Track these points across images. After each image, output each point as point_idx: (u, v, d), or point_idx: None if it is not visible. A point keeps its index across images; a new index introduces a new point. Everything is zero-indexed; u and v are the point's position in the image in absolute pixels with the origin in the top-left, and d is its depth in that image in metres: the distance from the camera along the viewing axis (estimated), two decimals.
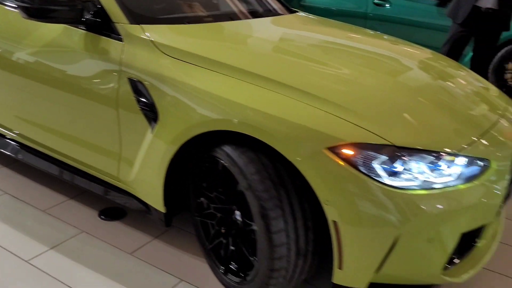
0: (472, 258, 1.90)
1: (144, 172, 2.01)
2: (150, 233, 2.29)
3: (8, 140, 2.62)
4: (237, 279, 1.92)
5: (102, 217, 2.41)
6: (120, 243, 2.20)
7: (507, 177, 1.78)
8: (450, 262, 1.82)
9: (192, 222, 2.10)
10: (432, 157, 1.61)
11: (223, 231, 1.97)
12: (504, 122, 1.93)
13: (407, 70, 2.23)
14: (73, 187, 2.49)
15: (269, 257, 1.71)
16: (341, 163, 1.54)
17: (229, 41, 2.19)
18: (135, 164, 2.04)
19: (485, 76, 4.21)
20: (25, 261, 2.05)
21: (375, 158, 1.55)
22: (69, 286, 1.93)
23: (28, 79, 2.30)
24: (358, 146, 1.56)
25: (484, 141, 1.77)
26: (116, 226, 2.34)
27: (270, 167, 1.68)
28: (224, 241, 1.97)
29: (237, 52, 2.04)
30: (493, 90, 2.30)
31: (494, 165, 1.73)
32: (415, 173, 1.59)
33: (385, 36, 2.78)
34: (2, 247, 2.12)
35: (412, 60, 2.37)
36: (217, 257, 2.01)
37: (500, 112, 2.00)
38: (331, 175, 1.55)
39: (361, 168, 1.55)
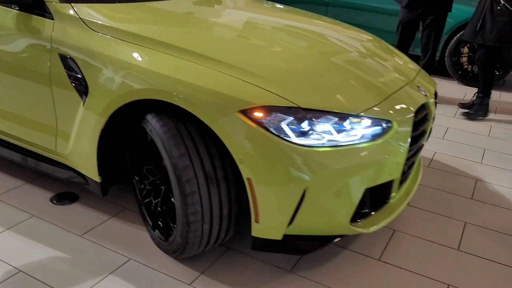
0: (383, 213, 2.11)
1: (78, 144, 2.12)
2: (101, 216, 2.35)
3: None
4: (162, 236, 2.07)
5: (54, 201, 2.45)
6: (71, 226, 2.25)
7: (409, 137, 1.98)
8: (363, 215, 2.03)
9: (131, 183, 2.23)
10: (336, 118, 1.79)
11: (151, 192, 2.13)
12: (409, 90, 2.13)
13: (326, 44, 2.41)
14: (25, 173, 2.55)
15: (184, 222, 1.84)
16: (252, 124, 1.70)
17: (154, 17, 2.29)
18: (71, 137, 2.14)
19: (434, 59, 4.45)
20: None
21: (283, 119, 1.71)
22: (16, 268, 1.97)
23: None
24: (268, 108, 1.71)
25: (387, 105, 1.95)
26: (67, 210, 2.39)
27: (185, 132, 1.81)
28: (154, 200, 2.11)
29: (160, 27, 2.16)
30: (408, 63, 2.51)
31: (395, 126, 1.92)
32: (321, 133, 1.76)
33: (324, 18, 2.96)
34: None
35: (336, 37, 2.54)
36: (148, 213, 2.15)
37: (406, 81, 2.20)
38: (244, 136, 1.70)
39: (271, 129, 1.70)
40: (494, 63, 4.28)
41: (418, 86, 2.23)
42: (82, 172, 2.19)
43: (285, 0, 5.53)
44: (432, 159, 3.26)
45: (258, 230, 1.82)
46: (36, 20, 2.11)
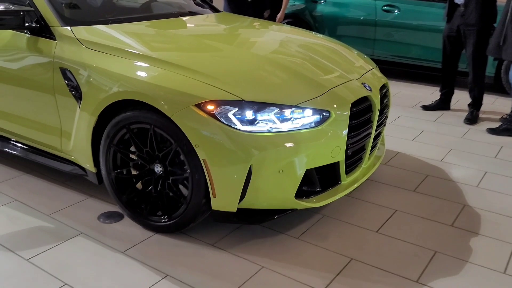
0: (333, 191, 2.45)
1: (77, 141, 2.56)
2: (143, 234, 2.44)
3: None
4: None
5: (101, 220, 2.59)
6: (114, 243, 2.36)
7: (347, 125, 2.32)
8: (314, 193, 2.37)
9: None
10: (277, 109, 2.16)
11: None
12: (350, 85, 2.48)
13: (280, 50, 2.80)
14: (75, 194, 2.78)
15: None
16: (205, 115, 2.10)
17: (135, 34, 2.72)
18: (72, 136, 2.59)
19: (478, 76, 4.25)
20: (26, 259, 2.23)
21: (230, 110, 2.10)
22: (62, 281, 2.09)
23: None
24: (217, 102, 2.11)
25: (326, 98, 2.32)
26: (112, 228, 2.51)
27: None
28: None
29: (138, 42, 2.58)
30: (361, 64, 2.86)
31: (333, 115, 2.27)
32: (265, 121, 2.14)
33: (288, 27, 3.38)
34: (4, 247, 2.32)
35: (296, 44, 2.94)
36: None
37: (351, 78, 2.55)
38: (198, 125, 2.10)
39: (221, 119, 2.10)
40: None
41: (363, 83, 2.57)
42: (82, 165, 2.63)
43: (334, 22, 5.82)
44: (481, 179, 3.15)
45: (216, 204, 2.21)
46: (43, 41, 2.60)
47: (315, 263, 2.24)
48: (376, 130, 2.67)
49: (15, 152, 2.96)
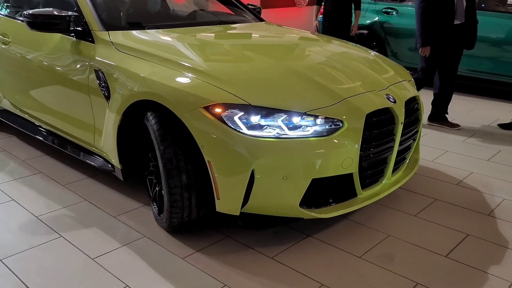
0: (347, 204, 2.37)
1: (106, 138, 2.72)
2: (203, 241, 2.46)
3: (35, 125, 3.49)
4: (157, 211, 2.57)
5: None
6: (175, 249, 2.40)
7: (360, 136, 2.24)
8: (326, 203, 2.32)
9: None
10: (285, 115, 2.15)
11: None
12: (370, 96, 2.40)
13: (300, 57, 2.81)
14: (141, 197, 2.87)
15: (168, 199, 2.31)
16: (212, 118, 2.14)
17: (167, 39, 2.83)
18: (102, 133, 2.76)
19: None
20: (91, 258, 2.32)
21: (236, 114, 2.13)
22: (124, 282, 2.14)
23: (39, 76, 3.14)
24: (225, 105, 2.14)
25: (340, 107, 2.26)
26: (173, 233, 2.53)
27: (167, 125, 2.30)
28: (155, 180, 2.61)
29: (163, 46, 2.69)
30: (388, 75, 2.75)
31: (346, 125, 2.21)
32: (272, 127, 2.13)
33: (323, 37, 3.36)
34: (73, 244, 2.43)
35: (316, 51, 2.93)
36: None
37: (373, 88, 2.46)
38: (205, 127, 2.14)
39: (227, 122, 2.12)
40: None
41: (387, 94, 2.48)
42: (110, 160, 2.79)
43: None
44: None
45: (220, 205, 2.23)
46: (84, 44, 2.80)
47: (378, 285, 2.15)
48: (402, 144, 2.56)
49: (55, 145, 3.21)
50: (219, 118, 2.13)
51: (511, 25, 5.18)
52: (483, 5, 4.35)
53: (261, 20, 3.72)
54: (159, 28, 2.97)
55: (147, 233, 2.54)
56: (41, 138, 3.36)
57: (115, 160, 2.71)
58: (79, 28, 2.82)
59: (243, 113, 2.13)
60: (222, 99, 2.16)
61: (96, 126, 2.80)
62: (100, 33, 2.76)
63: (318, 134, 2.18)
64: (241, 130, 2.11)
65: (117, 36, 2.74)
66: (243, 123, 2.12)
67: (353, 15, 5.65)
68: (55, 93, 3.06)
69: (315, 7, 5.85)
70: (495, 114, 4.84)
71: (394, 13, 6.14)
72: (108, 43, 2.70)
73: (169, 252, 2.37)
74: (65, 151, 3.15)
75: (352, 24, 5.66)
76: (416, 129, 2.73)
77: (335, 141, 2.19)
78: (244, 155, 2.10)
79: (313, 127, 2.18)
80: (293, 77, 2.42)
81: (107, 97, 2.62)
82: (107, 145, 2.74)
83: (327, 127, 2.20)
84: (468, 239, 2.51)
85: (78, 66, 2.82)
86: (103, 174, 3.20)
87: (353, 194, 2.41)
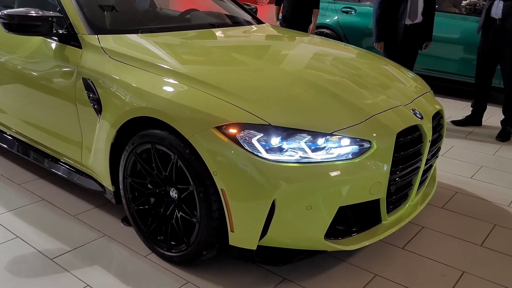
0: (372, 233, 2.13)
1: (96, 156, 2.40)
2: None
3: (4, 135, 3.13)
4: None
5: (124, 223, 2.55)
6: (137, 247, 2.34)
7: (390, 158, 2.00)
8: (348, 233, 2.07)
9: None
10: (309, 136, 1.88)
11: None
12: (397, 112, 2.16)
13: (317, 68, 2.53)
14: (99, 196, 2.63)
15: None
16: (226, 140, 1.86)
17: (163, 45, 2.52)
18: (92, 150, 2.44)
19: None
20: (50, 259, 2.23)
21: (254, 136, 1.85)
22: (84, 282, 2.09)
23: (18, 83, 2.78)
24: (240, 125, 1.86)
25: (367, 126, 2.01)
26: (134, 232, 2.42)
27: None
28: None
29: (163, 54, 2.38)
30: (412, 87, 2.52)
31: (375, 146, 1.97)
32: (294, 149, 1.87)
33: (332, 42, 3.10)
34: (30, 245, 2.33)
35: (334, 61, 2.65)
36: None
37: (399, 103, 2.23)
38: (218, 150, 1.86)
39: (244, 144, 1.85)
40: None
41: (413, 109, 2.24)
42: (100, 181, 2.47)
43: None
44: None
45: (234, 239, 1.95)
46: (69, 49, 2.46)
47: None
48: (426, 164, 2.33)
49: (37, 163, 2.86)
50: (234, 140, 1.86)
51: (464, 26, 5.35)
52: (437, 6, 4.63)
53: (261, 22, 3.43)
54: (154, 32, 2.66)
55: (107, 231, 2.47)
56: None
57: (107, 181, 2.40)
58: (63, 31, 2.48)
59: (262, 134, 1.86)
60: (237, 118, 1.88)
61: (84, 141, 2.48)
62: (88, 37, 2.43)
63: (345, 157, 1.93)
64: (260, 154, 1.84)
65: (108, 41, 2.42)
66: (262, 145, 1.85)
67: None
68: (36, 104, 2.71)
69: (275, 7, 5.65)
70: (447, 111, 4.81)
71: (353, 12, 6.22)
72: (98, 48, 2.37)
73: (131, 250, 2.31)
74: (40, 165, 2.83)
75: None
76: (439, 146, 2.51)
77: (364, 164, 1.94)
78: (265, 183, 1.83)
79: (338, 149, 1.92)
80: (313, 91, 2.15)
81: (98, 111, 2.30)
82: (97, 164, 2.42)
83: (354, 149, 1.95)
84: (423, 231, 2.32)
85: (63, 73, 2.48)
86: (55, 174, 2.91)
87: (378, 220, 2.17)
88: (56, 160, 2.76)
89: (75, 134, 2.50)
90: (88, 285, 2.06)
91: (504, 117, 4.27)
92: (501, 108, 4.31)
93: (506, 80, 4.18)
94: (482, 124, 4.57)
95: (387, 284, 2.13)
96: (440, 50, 5.44)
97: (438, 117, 2.45)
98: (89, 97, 2.33)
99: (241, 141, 1.85)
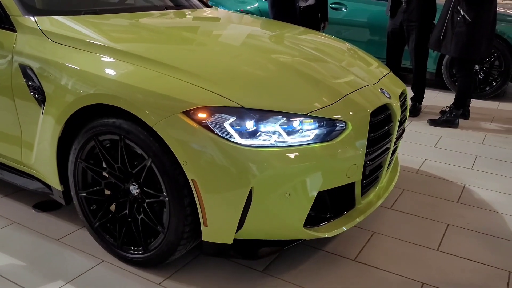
0: (348, 217, 2.05)
1: (40, 153, 2.13)
2: (78, 224, 2.34)
3: None
4: None
5: (36, 209, 2.48)
6: (50, 231, 2.29)
7: (365, 138, 1.93)
8: (325, 219, 1.97)
9: None
10: (284, 118, 1.76)
11: None
12: (367, 91, 2.09)
13: (285, 48, 2.42)
14: (8, 184, 2.54)
15: None
16: (195, 125, 1.68)
17: (119, 28, 2.32)
18: (34, 147, 2.16)
19: (420, 71, 4.43)
20: None
21: (226, 120, 1.69)
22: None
23: None
24: (211, 109, 1.70)
25: (341, 106, 1.92)
26: (48, 217, 2.42)
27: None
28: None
29: (114, 36, 2.17)
30: (376, 67, 2.48)
31: (350, 126, 1.87)
32: (269, 133, 1.73)
33: (304, 29, 3.00)
34: None
35: (302, 44, 2.52)
36: None
37: (367, 83, 2.16)
38: (187, 137, 1.69)
39: (215, 130, 1.68)
40: (469, 76, 4.17)
41: (381, 88, 2.19)
42: (46, 181, 2.20)
43: None
44: (421, 166, 3.25)
45: (208, 234, 1.79)
46: (1, 33, 2.16)
47: None
48: (394, 144, 2.29)
49: None
50: (204, 125, 1.69)
51: (377, 10, 5.45)
52: None
53: (208, 6, 3.26)
54: (98, 13, 2.41)
55: (17, 218, 2.39)
56: None
57: (54, 180, 2.13)
58: None
59: (235, 118, 1.70)
60: (206, 102, 1.71)
61: (24, 138, 2.19)
62: (23, 19, 2.14)
63: (321, 139, 1.82)
64: (233, 140, 1.69)
65: (48, 23, 2.15)
66: (236, 130, 1.70)
67: None
68: None
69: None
70: None
71: None
72: (37, 31, 2.10)
73: (42, 235, 2.26)
74: None
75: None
76: (403, 127, 2.48)
77: (341, 146, 1.85)
78: (241, 171, 1.68)
79: (314, 131, 1.81)
80: (282, 72, 2.03)
81: (41, 101, 2.03)
82: (41, 161, 2.15)
83: (330, 130, 1.85)
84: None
85: None
86: None
87: (352, 205, 2.10)
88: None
89: (13, 129, 2.21)
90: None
91: (413, 94, 4.49)
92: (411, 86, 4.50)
93: (412, 58, 4.40)
94: None
95: None
96: (355, 34, 5.66)
97: (402, 97, 2.42)
98: (28, 85, 2.06)
99: (211, 126, 1.68)
